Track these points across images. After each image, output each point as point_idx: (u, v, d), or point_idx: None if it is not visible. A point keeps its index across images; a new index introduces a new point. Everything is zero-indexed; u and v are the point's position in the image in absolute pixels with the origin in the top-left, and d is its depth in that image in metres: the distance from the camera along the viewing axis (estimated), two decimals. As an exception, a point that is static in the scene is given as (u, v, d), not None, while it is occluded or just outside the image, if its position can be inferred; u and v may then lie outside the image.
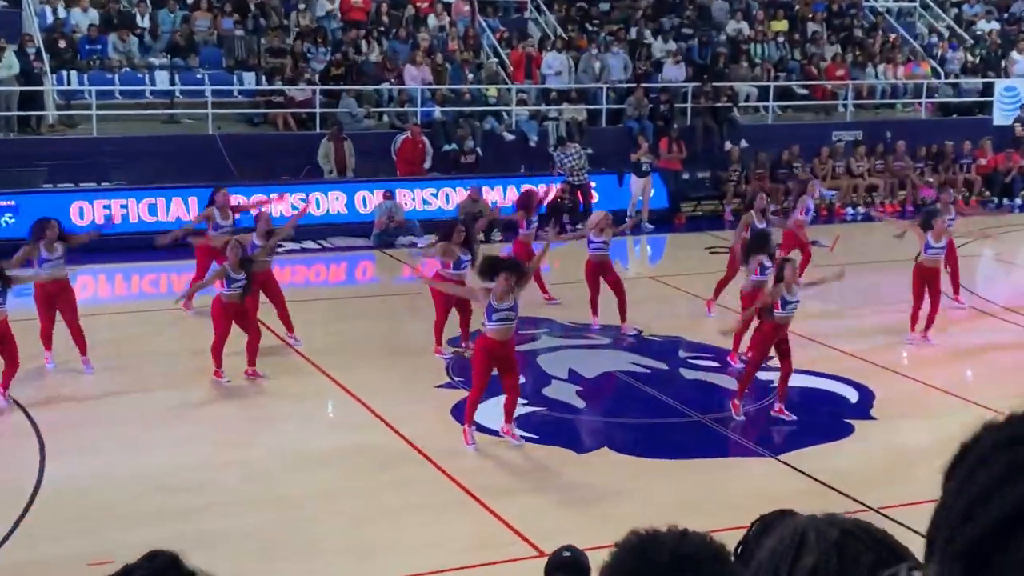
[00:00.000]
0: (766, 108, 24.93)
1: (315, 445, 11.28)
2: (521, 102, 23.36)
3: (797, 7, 27.49)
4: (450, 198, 20.99)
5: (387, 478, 10.56)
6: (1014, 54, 27.24)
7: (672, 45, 25.15)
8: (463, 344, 13.79)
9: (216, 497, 9.99)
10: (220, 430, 11.76)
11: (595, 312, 14.94)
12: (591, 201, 21.47)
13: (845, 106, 25.52)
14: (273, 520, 9.57)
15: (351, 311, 16.18)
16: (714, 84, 24.18)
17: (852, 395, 12.93)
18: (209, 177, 19.24)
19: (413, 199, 20.90)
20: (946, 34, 28.51)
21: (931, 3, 29.28)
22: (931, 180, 23.78)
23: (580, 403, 12.77)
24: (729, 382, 13.06)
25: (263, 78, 22.55)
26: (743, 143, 23.21)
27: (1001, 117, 25.27)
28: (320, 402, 12.73)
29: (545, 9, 25.78)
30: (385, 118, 22.86)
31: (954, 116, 26.10)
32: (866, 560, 1.79)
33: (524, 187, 18.21)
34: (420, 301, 14.75)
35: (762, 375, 12.56)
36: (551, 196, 18.58)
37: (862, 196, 23.49)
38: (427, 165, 21.53)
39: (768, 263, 12.92)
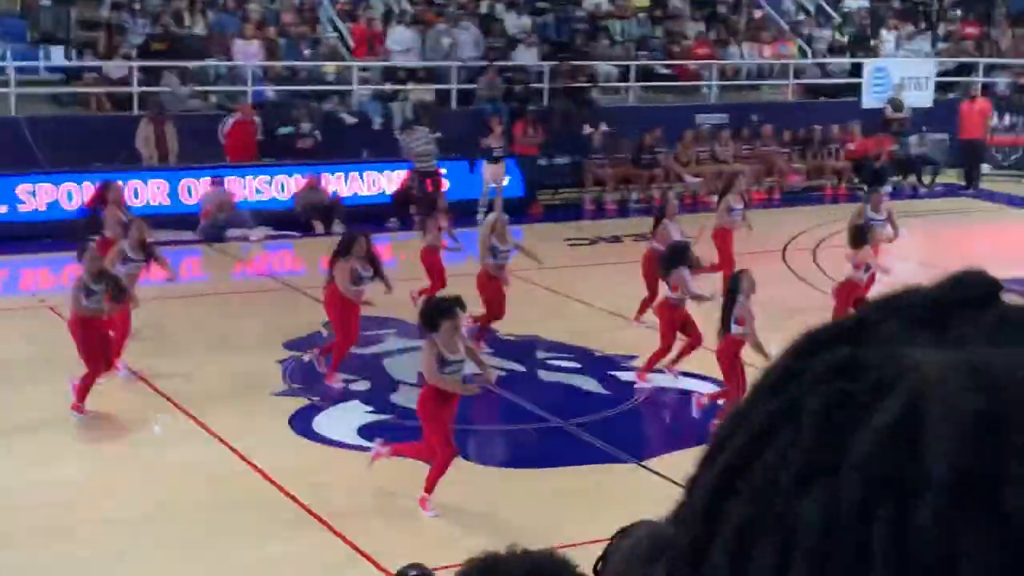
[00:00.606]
0: (627, 89, 25.22)
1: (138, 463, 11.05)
2: (363, 81, 23.21)
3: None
4: (286, 186, 20.73)
5: (220, 498, 10.39)
6: (884, 32, 28.11)
7: (527, 20, 25.29)
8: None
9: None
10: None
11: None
12: (440, 189, 21.43)
13: (709, 87, 25.96)
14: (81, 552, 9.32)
15: (177, 311, 15.84)
16: (572, 63, 24.38)
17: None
18: (10, 165, 18.65)
19: (244, 187, 20.56)
20: (813, 11, 29.24)
21: (798, -22, 29.99)
22: (799, 166, 24.39)
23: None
24: (586, 382, 13.16)
25: (73, 53, 21.93)
26: (604, 127, 23.43)
27: (871, 99, 25.97)
28: (145, 416, 12.44)
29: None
30: (213, 98, 22.45)
31: (822, 98, 26.83)
32: None
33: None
34: (257, 299, 14.52)
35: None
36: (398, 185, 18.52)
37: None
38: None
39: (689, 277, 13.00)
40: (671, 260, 13.22)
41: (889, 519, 0.61)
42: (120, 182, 16.12)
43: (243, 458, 11.04)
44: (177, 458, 11.16)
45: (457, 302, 10.46)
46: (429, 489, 10.10)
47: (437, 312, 10.24)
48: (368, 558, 9.28)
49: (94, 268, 11.90)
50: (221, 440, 11.41)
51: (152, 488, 10.50)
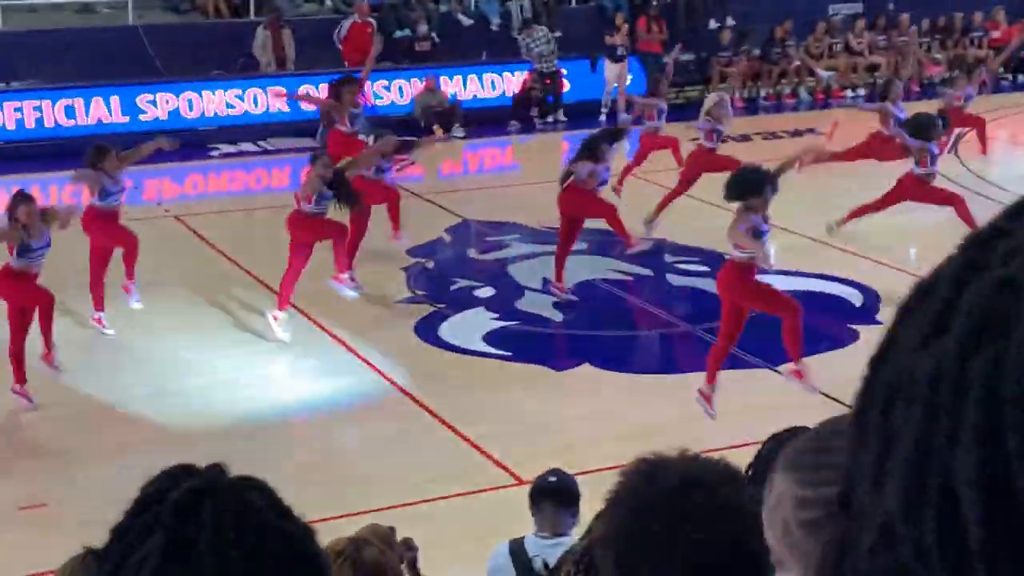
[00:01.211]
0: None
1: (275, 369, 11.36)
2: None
3: None
4: (404, 90, 20.82)
5: (346, 405, 10.64)
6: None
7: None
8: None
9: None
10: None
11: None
12: (562, 90, 21.36)
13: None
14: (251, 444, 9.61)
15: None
16: (695, -47, 23.97)
17: (856, 298, 13.02)
18: (132, 74, 18.99)
19: (361, 92, 20.70)
20: None
21: None
22: (939, 57, 23.79)
23: (557, 316, 12.78)
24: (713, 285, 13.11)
25: (188, -40, 22.17)
26: (730, 21, 23.07)
27: None
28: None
29: None
30: (328, 2, 22.55)
31: None
32: None
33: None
34: (379, 206, 14.63)
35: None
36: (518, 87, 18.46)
37: (863, 76, 23.46)
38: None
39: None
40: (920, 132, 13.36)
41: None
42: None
43: (370, 365, 11.26)
44: (306, 366, 11.47)
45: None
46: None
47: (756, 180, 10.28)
48: (501, 465, 9.46)
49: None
50: (348, 348, 11.64)
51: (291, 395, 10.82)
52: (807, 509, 1.75)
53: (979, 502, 0.68)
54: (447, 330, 12.16)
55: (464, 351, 11.75)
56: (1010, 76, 24.16)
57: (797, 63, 22.87)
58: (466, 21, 22.37)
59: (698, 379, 10.65)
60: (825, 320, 12.37)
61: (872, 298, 12.90)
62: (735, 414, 9.72)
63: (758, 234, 9.93)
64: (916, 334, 0.75)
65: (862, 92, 23.07)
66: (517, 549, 5.88)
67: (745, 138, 19.52)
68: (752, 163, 11.54)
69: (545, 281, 13.50)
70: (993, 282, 0.71)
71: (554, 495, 6.03)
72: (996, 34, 24.22)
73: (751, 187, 10.14)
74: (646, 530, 2.24)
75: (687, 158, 15.29)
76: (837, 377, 10.86)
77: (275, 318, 11.74)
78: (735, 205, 10.19)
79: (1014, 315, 0.68)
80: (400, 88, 20.87)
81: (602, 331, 12.57)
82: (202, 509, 1.63)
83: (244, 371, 11.44)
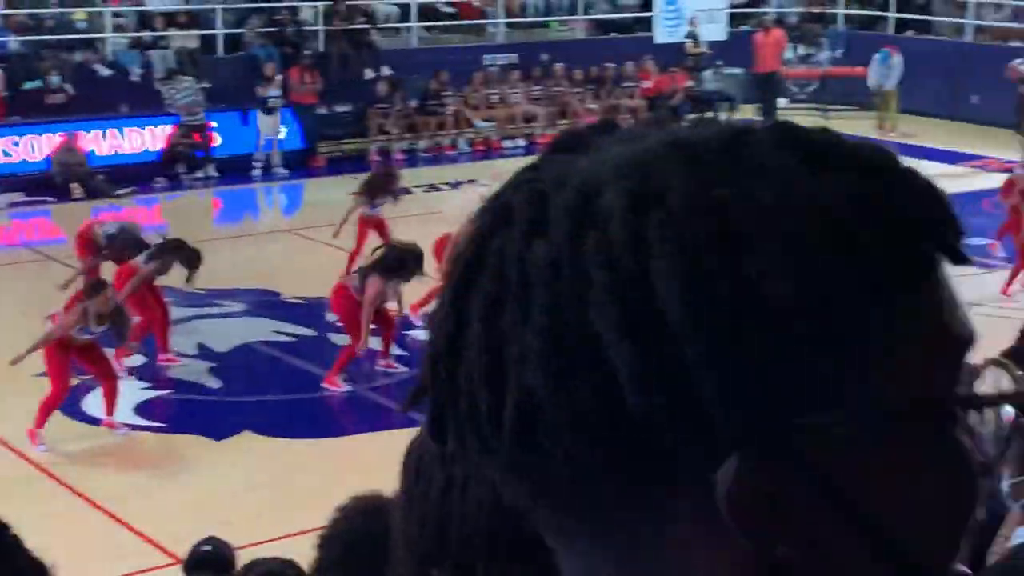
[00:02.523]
0: (409, 30, 25.27)
1: None
2: (118, 28, 22.65)
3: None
4: (37, 147, 20.05)
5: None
6: (673, -36, 28.70)
7: (297, -42, 25.02)
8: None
9: None
10: None
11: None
12: (211, 144, 21.13)
13: (496, 26, 26.21)
14: None
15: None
16: (348, 3, 24.26)
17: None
18: None
19: (-10, 149, 19.85)
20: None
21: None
22: (594, 106, 24.81)
23: (215, 383, 12.60)
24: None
25: None
26: (386, 71, 23.41)
27: (664, 34, 26.61)
28: None
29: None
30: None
31: (614, 34, 27.36)
32: None
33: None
34: (10, 272, 14.07)
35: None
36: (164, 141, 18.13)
37: (520, 127, 24.16)
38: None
39: None
40: None
41: (595, 243, 0.78)
42: None
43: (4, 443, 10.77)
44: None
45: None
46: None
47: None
48: (156, 544, 9.21)
49: None
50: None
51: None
52: None
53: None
54: (91, 402, 11.72)
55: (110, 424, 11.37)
56: None
57: (455, 114, 23.36)
58: (104, 72, 21.83)
59: (360, 440, 10.79)
60: None
61: None
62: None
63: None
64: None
65: (521, 143, 23.80)
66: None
67: (405, 191, 19.76)
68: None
69: (201, 347, 13.29)
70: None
71: (210, 565, 5.94)
72: (647, 84, 25.50)
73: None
74: (359, 562, 2.41)
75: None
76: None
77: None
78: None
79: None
80: (32, 144, 20.08)
81: (263, 396, 12.42)
82: None
83: None
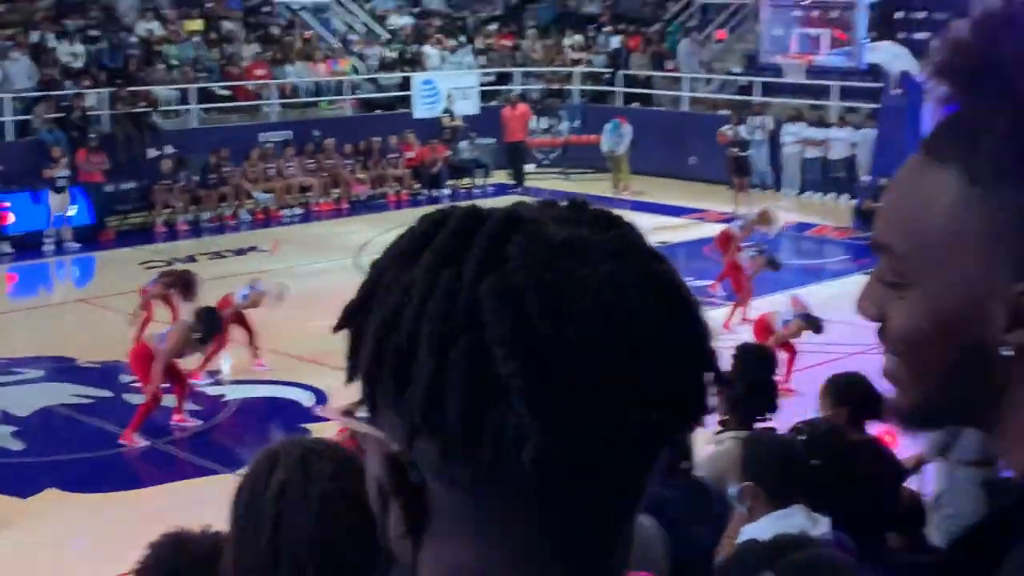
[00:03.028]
0: (188, 112, 24.95)
1: None
2: (-90, 117, 21.75)
3: (211, 4, 27.73)
4: None
5: None
6: (427, 48, 29.18)
7: (80, 48, 24.51)
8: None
9: None
10: None
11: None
12: (4, 223, 20.49)
13: (270, 106, 26.11)
14: None
15: None
16: (130, 89, 23.85)
17: (306, 397, 13.19)
18: None
19: None
20: (363, 30, 29.94)
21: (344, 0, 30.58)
22: (363, 176, 24.98)
23: (19, 445, 12.17)
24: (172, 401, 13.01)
25: None
26: (169, 149, 23.10)
27: (422, 110, 26.91)
28: None
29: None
30: None
31: (378, 111, 27.48)
32: (326, 470, 2.11)
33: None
34: None
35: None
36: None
37: (296, 197, 24.16)
38: None
39: None
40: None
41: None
42: None
43: None
44: None
45: None
46: None
47: None
48: None
49: None
50: None
51: None
52: None
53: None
54: None
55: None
56: (427, 192, 25.58)
57: (235, 187, 23.22)
58: None
59: (159, 490, 10.67)
60: (276, 421, 12.63)
61: (322, 396, 12.97)
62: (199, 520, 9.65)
63: None
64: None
65: (299, 211, 23.78)
66: None
67: (191, 259, 19.53)
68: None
69: (3, 413, 12.90)
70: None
71: None
72: (410, 154, 25.73)
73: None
74: None
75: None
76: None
77: None
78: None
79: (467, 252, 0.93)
80: None
81: (65, 455, 12.09)
82: None
83: None
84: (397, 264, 0.96)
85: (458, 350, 0.89)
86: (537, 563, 0.95)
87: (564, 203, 0.99)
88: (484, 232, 0.93)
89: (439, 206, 0.98)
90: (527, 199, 1.01)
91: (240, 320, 13.87)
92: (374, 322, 0.95)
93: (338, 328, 1.00)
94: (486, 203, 1.00)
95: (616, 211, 1.01)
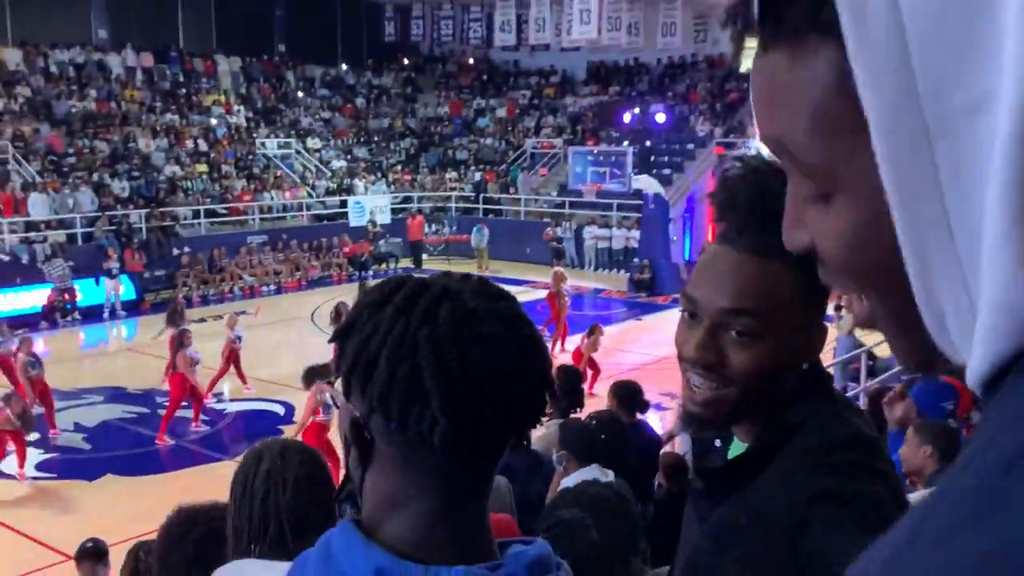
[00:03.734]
0: (199, 224, 24.68)
1: None
2: (12, 230, 21.21)
3: (213, 155, 27.43)
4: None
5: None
6: (356, 181, 29.23)
7: (126, 183, 24.19)
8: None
9: None
10: None
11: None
12: (76, 299, 20.11)
13: (253, 219, 25.83)
14: None
15: None
16: (160, 210, 23.61)
17: (280, 409, 13.17)
18: None
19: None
20: (314, 170, 29.92)
21: (302, 149, 30.31)
22: (315, 263, 24.84)
23: (87, 446, 11.99)
24: (185, 413, 12.74)
25: None
26: (187, 249, 22.90)
27: (354, 221, 26.77)
28: None
29: (22, 160, 23.57)
30: None
31: (325, 221, 27.27)
32: (296, 460, 1.98)
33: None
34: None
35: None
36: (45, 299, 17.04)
37: (271, 278, 23.99)
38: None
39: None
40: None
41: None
42: None
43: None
44: None
45: None
46: None
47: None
48: (57, 551, 8.68)
49: None
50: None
51: None
52: None
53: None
54: (5, 463, 10.99)
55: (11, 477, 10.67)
56: (358, 273, 25.26)
57: (231, 272, 22.96)
58: (3, 257, 20.39)
59: (182, 473, 10.57)
60: (261, 426, 12.33)
61: (290, 409, 12.88)
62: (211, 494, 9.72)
63: None
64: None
65: (273, 287, 23.49)
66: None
67: (201, 320, 19.38)
68: None
69: (76, 424, 12.65)
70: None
71: (91, 554, 5.89)
72: (346, 249, 25.42)
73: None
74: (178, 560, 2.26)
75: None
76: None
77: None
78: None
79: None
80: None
81: (119, 451, 11.86)
82: None
83: None
84: (370, 308, 0.92)
85: (403, 368, 0.87)
86: (434, 494, 0.92)
87: (475, 279, 0.96)
88: (426, 297, 0.90)
89: (375, 281, 1.04)
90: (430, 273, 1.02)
91: (233, 357, 13.71)
92: (353, 343, 0.91)
93: (331, 341, 0.97)
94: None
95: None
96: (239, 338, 13.72)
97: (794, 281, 1.08)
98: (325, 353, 14.44)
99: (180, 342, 11.99)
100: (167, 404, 12.33)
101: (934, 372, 0.56)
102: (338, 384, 0.94)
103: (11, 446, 10.61)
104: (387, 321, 0.89)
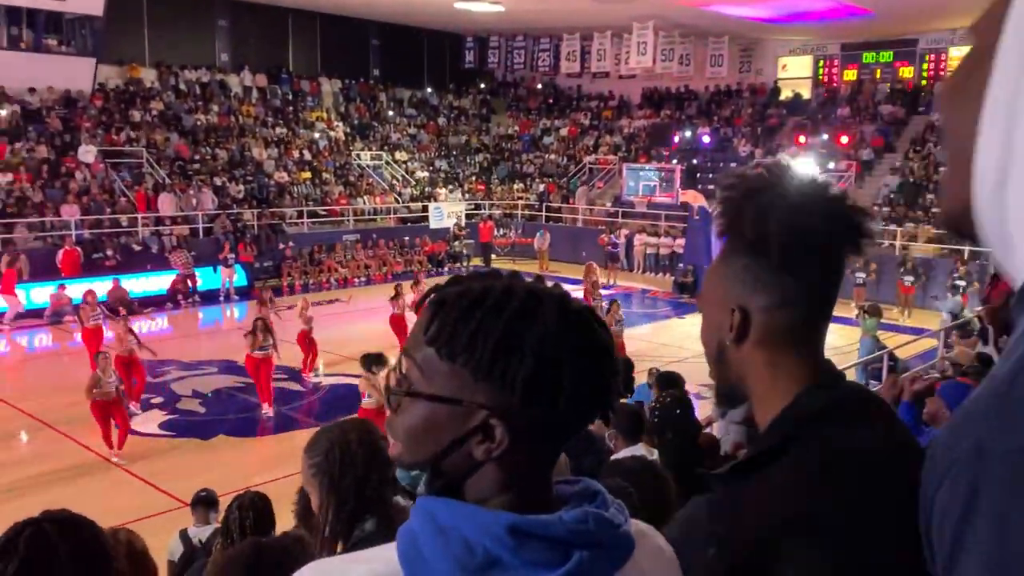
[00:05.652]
0: (302, 223, 24.93)
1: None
2: (145, 224, 21.73)
3: (315, 164, 27.81)
4: (101, 289, 18.87)
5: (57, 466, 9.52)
6: (437, 189, 29.29)
7: (241, 187, 24.65)
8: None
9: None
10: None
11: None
12: (196, 285, 20.56)
13: (348, 220, 25.99)
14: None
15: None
16: (270, 210, 23.98)
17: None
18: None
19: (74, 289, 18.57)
20: (401, 178, 30.03)
21: (391, 161, 30.45)
22: (399, 260, 24.92)
23: (203, 410, 12.18)
24: (288, 385, 12.87)
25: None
26: (291, 244, 23.21)
27: (435, 222, 26.81)
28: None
29: (154, 164, 24.21)
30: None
31: (409, 224, 27.30)
32: (360, 438, 1.97)
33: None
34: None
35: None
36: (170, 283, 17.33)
37: (362, 271, 24.01)
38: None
39: None
40: None
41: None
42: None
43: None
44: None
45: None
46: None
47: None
48: (176, 497, 8.73)
49: None
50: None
51: None
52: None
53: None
54: (136, 422, 11.29)
55: (143, 434, 10.92)
56: (435, 268, 25.31)
57: (328, 265, 23.09)
58: (136, 247, 20.95)
59: (281, 436, 10.58)
60: (348, 397, 12.33)
61: None
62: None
63: None
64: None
65: (363, 278, 23.54)
66: (183, 535, 5.74)
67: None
68: None
69: (194, 391, 12.87)
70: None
71: (203, 501, 5.93)
72: (427, 248, 25.33)
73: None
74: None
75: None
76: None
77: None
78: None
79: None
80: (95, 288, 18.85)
81: (230, 415, 12.02)
82: None
83: None
84: (486, 312, 0.90)
85: (518, 355, 0.88)
86: (540, 458, 0.93)
87: (552, 284, 0.98)
88: (545, 307, 0.90)
89: (448, 276, 0.95)
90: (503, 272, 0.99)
91: (308, 337, 13.64)
92: (488, 344, 0.89)
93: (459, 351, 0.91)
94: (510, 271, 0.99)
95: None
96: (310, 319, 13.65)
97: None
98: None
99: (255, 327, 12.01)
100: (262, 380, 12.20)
101: (959, 231, 0.67)
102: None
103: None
104: (507, 323, 0.89)
